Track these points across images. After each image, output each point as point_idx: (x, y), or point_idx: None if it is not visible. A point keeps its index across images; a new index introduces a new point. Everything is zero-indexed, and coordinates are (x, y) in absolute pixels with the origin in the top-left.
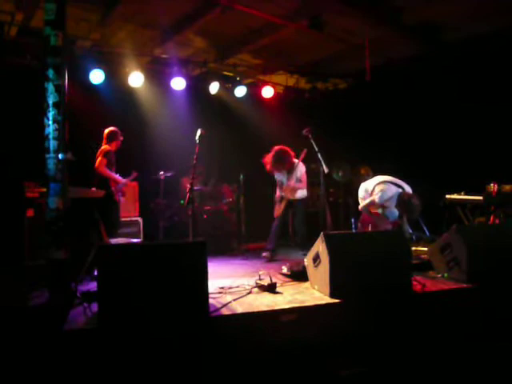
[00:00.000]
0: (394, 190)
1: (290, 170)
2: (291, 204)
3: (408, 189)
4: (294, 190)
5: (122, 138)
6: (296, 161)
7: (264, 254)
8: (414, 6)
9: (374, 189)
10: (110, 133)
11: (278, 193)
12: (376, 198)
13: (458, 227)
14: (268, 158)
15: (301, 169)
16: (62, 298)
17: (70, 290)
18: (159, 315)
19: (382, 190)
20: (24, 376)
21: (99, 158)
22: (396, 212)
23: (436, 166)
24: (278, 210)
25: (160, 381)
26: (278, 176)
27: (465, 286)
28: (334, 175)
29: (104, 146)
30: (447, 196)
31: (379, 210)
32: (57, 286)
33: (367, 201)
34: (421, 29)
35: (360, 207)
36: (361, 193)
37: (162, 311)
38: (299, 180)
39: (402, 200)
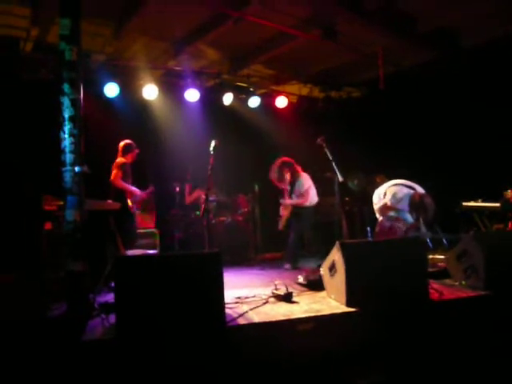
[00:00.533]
0: (405, 191)
1: (293, 182)
2: (295, 214)
3: (420, 189)
4: (289, 207)
5: (137, 151)
6: (301, 173)
7: (286, 267)
8: (428, 13)
9: (385, 192)
10: (126, 145)
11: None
12: (387, 200)
13: (475, 234)
14: (271, 170)
15: (302, 182)
16: (80, 310)
17: (88, 301)
18: (176, 326)
19: (393, 192)
20: None
21: (114, 171)
22: (409, 215)
23: (452, 172)
24: (281, 223)
25: None
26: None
27: (482, 293)
28: (349, 184)
29: (119, 159)
30: (463, 203)
31: (393, 213)
32: (75, 297)
33: (379, 204)
34: (435, 35)
35: (377, 213)
36: (375, 199)
37: (178, 322)
38: (300, 193)
39: (414, 201)
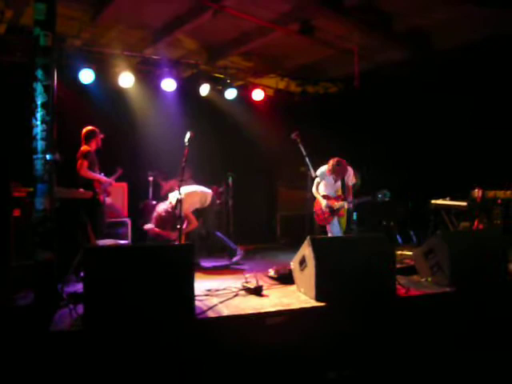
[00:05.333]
0: (323, 169)
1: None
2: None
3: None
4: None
5: (101, 136)
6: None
7: None
8: (403, 13)
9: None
10: (88, 132)
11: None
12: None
13: (442, 233)
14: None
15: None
16: (47, 299)
17: (56, 291)
18: (145, 317)
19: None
20: (9, 376)
21: (79, 161)
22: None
23: (422, 170)
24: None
25: (146, 382)
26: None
27: (447, 290)
28: None
29: (83, 147)
30: (432, 201)
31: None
32: (43, 286)
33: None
34: (410, 36)
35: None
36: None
37: (148, 313)
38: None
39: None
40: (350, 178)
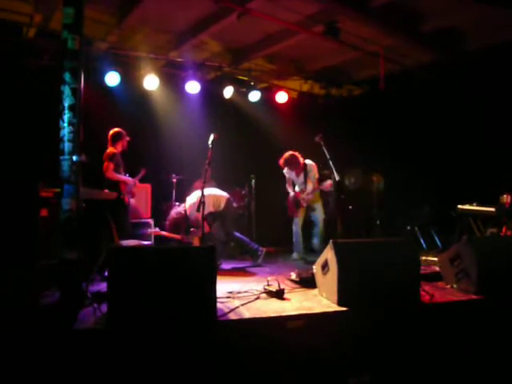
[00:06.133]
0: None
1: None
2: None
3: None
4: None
5: (127, 139)
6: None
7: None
8: (432, 14)
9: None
10: (115, 134)
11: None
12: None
13: (469, 238)
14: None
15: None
16: (72, 298)
17: (80, 290)
18: (167, 318)
19: None
20: (33, 374)
21: (105, 163)
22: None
23: (449, 175)
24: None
25: (165, 382)
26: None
27: (474, 297)
28: (345, 182)
29: (109, 149)
30: (459, 206)
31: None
32: (68, 285)
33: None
34: (438, 37)
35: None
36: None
37: (170, 314)
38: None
39: None
40: (312, 172)
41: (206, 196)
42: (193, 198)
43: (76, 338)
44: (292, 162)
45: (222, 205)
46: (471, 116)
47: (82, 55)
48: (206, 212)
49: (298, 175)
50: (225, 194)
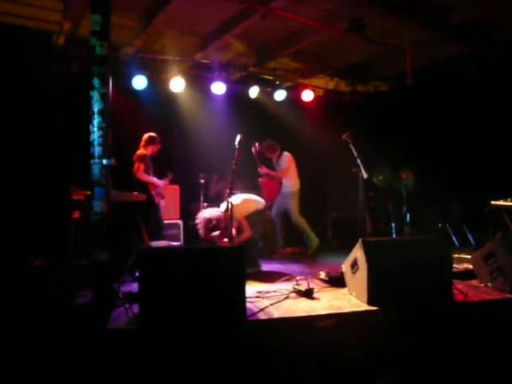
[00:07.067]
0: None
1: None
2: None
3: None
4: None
5: (159, 146)
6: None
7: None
8: (461, 6)
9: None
10: (150, 137)
11: None
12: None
13: (503, 235)
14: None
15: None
16: (105, 298)
17: (112, 290)
18: (197, 317)
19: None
20: (68, 371)
21: (136, 164)
22: None
23: (482, 170)
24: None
25: (195, 382)
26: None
27: (509, 296)
28: (374, 179)
29: (140, 151)
30: (493, 202)
31: None
32: (100, 286)
33: None
34: (467, 29)
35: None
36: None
37: (200, 314)
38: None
39: None
40: (280, 161)
41: (247, 199)
42: (236, 200)
43: (109, 337)
44: (263, 150)
45: (260, 207)
46: (503, 109)
47: (109, 61)
48: (245, 214)
49: (276, 164)
50: (262, 201)
